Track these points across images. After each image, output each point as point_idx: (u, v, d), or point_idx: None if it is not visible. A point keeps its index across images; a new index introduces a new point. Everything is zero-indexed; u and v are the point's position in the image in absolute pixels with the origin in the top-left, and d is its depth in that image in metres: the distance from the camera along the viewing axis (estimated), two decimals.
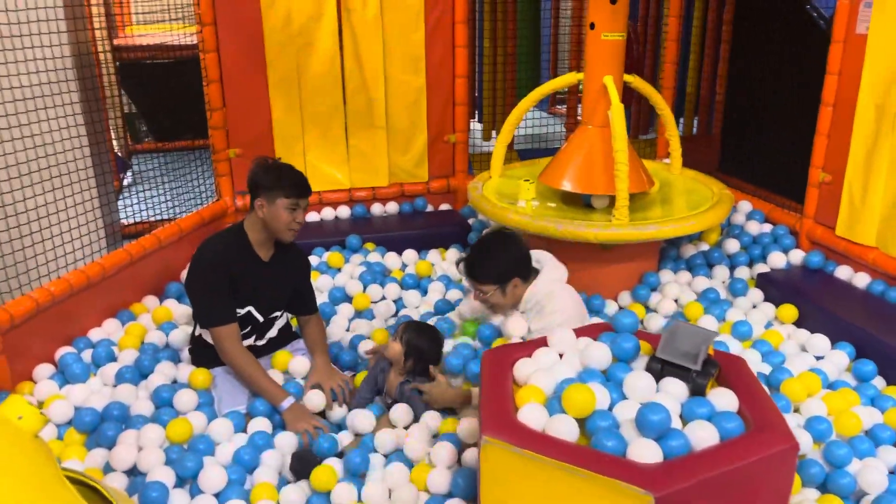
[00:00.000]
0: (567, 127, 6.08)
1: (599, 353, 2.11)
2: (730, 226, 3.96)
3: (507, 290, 2.77)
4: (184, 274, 3.41)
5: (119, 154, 6.55)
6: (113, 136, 6.02)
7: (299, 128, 4.13)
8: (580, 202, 3.65)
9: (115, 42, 6.85)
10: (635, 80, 3.61)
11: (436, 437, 2.49)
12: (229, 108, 4.02)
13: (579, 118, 6.92)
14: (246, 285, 2.68)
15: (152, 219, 5.05)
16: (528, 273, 2.81)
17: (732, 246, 3.74)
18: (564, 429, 1.85)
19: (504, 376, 2.13)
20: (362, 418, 2.55)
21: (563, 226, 3.21)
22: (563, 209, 3.56)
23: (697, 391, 2.01)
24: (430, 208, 4.46)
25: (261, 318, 2.79)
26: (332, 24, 3.96)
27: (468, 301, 3.07)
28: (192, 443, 2.43)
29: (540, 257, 2.90)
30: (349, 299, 3.50)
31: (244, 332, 2.74)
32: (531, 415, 1.91)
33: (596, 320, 3.19)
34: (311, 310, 2.92)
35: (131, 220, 5.15)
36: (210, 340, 2.71)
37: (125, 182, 6.38)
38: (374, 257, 3.83)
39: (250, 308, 2.74)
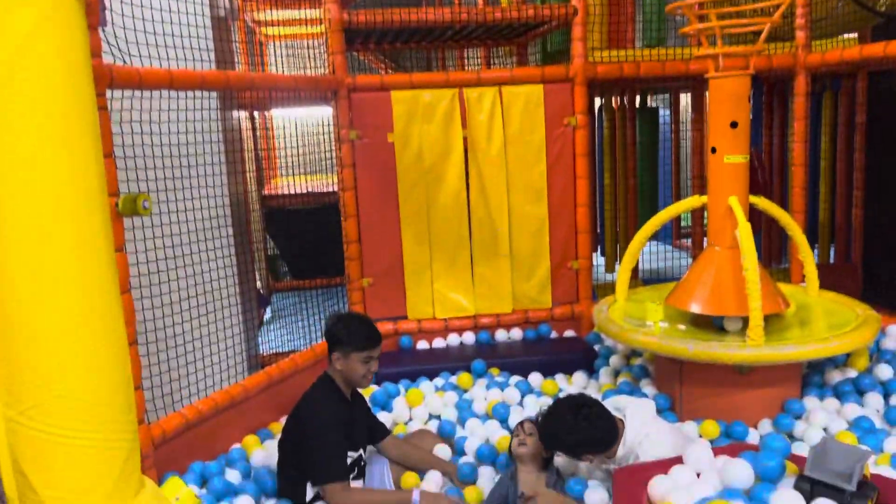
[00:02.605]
0: (694, 256, 5.98)
1: (741, 472, 2.00)
2: (880, 351, 3.70)
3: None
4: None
5: (261, 291, 7.05)
6: (257, 276, 6.51)
7: (427, 257, 4.33)
8: (710, 325, 3.54)
9: (263, 192, 7.57)
10: (762, 202, 3.57)
11: None
12: (364, 241, 4.30)
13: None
14: (351, 431, 2.82)
15: (288, 349, 5.34)
16: (607, 448, 2.65)
17: (885, 372, 3.46)
18: None
19: (638, 495, 2.05)
20: None
21: (695, 346, 3.12)
22: (692, 332, 3.47)
23: None
24: (553, 335, 4.47)
25: (364, 459, 2.92)
26: (460, 161, 4.23)
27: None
28: None
29: (618, 404, 2.79)
30: (478, 418, 3.50)
31: (353, 475, 2.82)
32: None
33: None
34: (387, 430, 3.10)
35: (269, 351, 5.46)
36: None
37: (266, 317, 6.81)
38: (500, 388, 3.81)
39: (360, 452, 2.87)
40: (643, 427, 2.62)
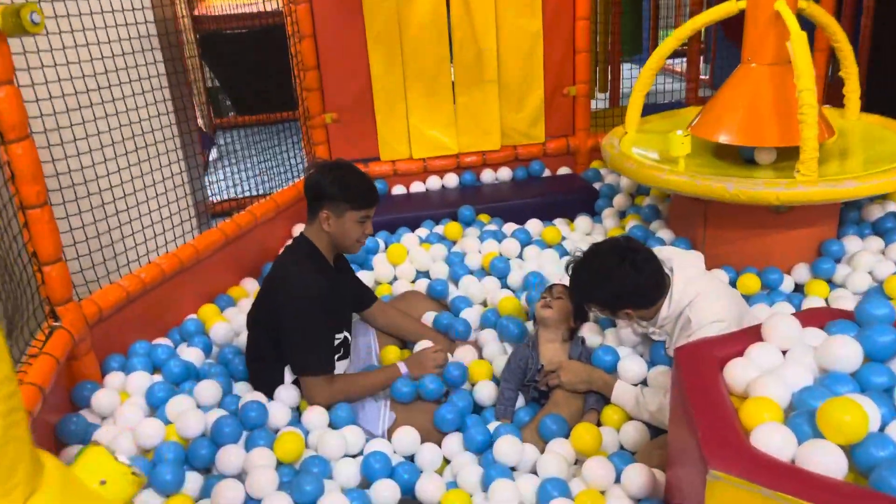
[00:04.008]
0: (689, 79, 5.35)
1: (846, 351, 1.57)
2: None
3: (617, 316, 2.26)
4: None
5: (204, 130, 6.27)
6: (197, 112, 5.72)
7: (401, 87, 3.66)
8: (737, 157, 3.06)
9: (195, 13, 6.55)
10: (810, 6, 2.97)
11: None
12: (324, 68, 3.58)
13: (704, 77, 6.21)
14: (336, 307, 2.34)
15: (241, 196, 4.73)
16: (652, 302, 2.19)
17: None
18: (829, 461, 1.34)
19: (713, 381, 1.62)
20: (508, 446, 2.07)
21: (735, 185, 2.63)
22: (717, 166, 2.98)
23: None
24: (547, 173, 3.94)
25: (350, 336, 2.46)
26: None
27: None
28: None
29: (662, 255, 2.26)
30: (472, 274, 3.03)
31: (339, 356, 2.37)
32: (774, 440, 1.39)
33: (761, 306, 2.62)
34: (374, 296, 2.63)
35: (220, 198, 4.85)
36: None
37: (211, 158, 6.11)
38: (496, 239, 3.29)
39: (345, 332, 2.40)
40: (693, 284, 2.17)
